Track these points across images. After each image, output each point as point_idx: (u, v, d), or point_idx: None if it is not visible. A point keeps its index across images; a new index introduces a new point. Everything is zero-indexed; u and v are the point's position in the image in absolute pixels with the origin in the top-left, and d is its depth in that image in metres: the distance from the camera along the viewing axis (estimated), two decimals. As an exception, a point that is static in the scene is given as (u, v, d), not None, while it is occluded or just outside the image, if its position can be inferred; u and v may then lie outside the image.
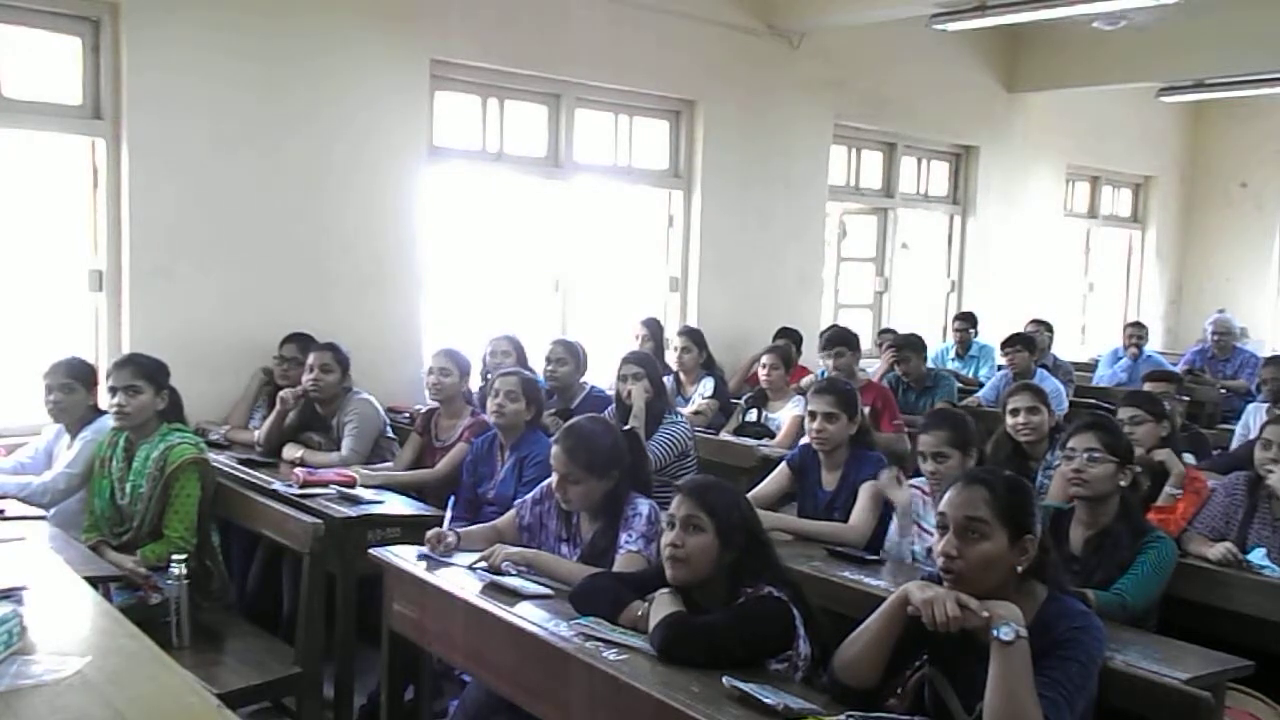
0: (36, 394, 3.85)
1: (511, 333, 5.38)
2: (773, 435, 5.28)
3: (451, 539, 3.14)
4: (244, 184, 5.12)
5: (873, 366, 6.95)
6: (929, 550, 3.38)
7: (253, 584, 4.35)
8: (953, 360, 7.81)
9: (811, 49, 7.38)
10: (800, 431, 4.52)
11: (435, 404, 4.68)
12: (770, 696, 2.13)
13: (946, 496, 2.27)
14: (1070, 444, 3.22)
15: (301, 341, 4.92)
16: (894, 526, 3.59)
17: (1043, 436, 4.17)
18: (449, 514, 3.39)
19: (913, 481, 3.64)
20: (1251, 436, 4.48)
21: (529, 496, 3.34)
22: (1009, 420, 4.20)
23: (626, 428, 3.50)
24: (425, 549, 3.12)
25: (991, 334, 7.66)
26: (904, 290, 8.79)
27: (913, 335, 6.64)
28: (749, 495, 3.84)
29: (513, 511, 3.35)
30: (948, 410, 3.98)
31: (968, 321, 7.87)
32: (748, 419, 5.50)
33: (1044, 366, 6.86)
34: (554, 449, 3.09)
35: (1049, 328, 7.83)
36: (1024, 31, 8.47)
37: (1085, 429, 3.22)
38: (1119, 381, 7.72)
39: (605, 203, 6.83)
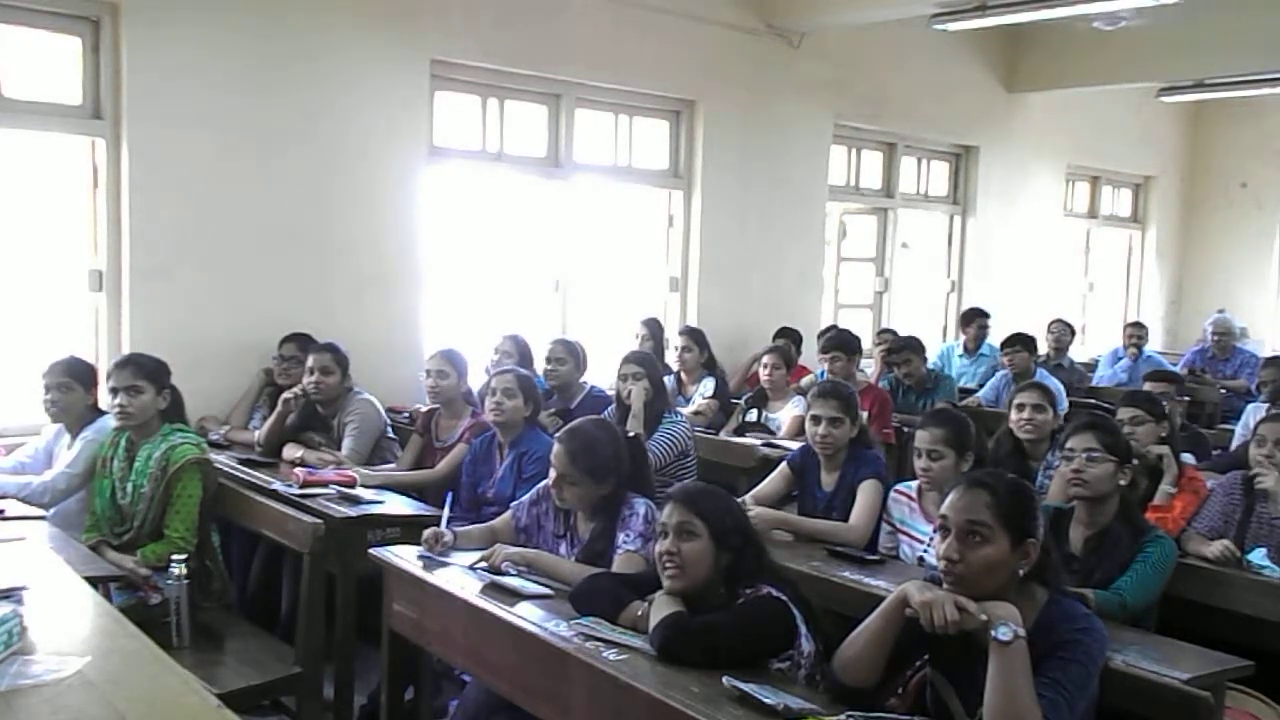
0: (36, 394, 3.85)
1: (518, 334, 5.39)
2: (773, 435, 5.28)
3: (448, 537, 3.15)
4: (244, 184, 5.12)
5: (872, 368, 6.95)
6: (920, 559, 3.39)
7: (253, 584, 4.34)
8: (960, 357, 7.78)
9: (811, 49, 7.38)
10: (800, 431, 4.52)
11: (435, 405, 4.68)
12: (770, 696, 2.13)
13: (948, 499, 2.26)
14: (1069, 444, 3.22)
15: (301, 341, 4.92)
16: (884, 533, 3.61)
17: (1045, 436, 4.17)
18: (446, 513, 3.35)
19: (898, 488, 3.64)
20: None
21: (525, 498, 3.35)
22: (1013, 415, 4.20)
23: (631, 434, 3.49)
24: (423, 549, 3.13)
25: (991, 334, 7.65)
26: (904, 290, 8.79)
27: (912, 337, 6.64)
28: (749, 495, 3.86)
29: (509, 513, 3.36)
30: (949, 410, 3.94)
31: (973, 321, 7.70)
32: (748, 419, 5.50)
33: (1059, 366, 6.87)
34: (556, 447, 3.10)
35: (1071, 330, 7.84)
36: (1024, 31, 8.47)
37: (1084, 429, 3.23)
38: (1119, 382, 7.72)
39: (605, 203, 6.83)
